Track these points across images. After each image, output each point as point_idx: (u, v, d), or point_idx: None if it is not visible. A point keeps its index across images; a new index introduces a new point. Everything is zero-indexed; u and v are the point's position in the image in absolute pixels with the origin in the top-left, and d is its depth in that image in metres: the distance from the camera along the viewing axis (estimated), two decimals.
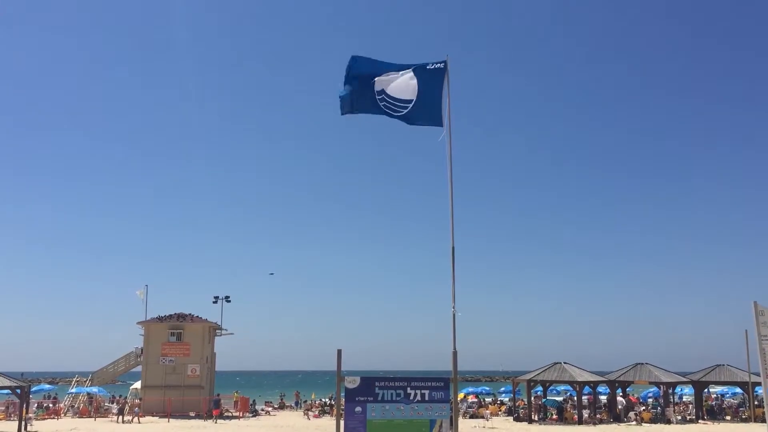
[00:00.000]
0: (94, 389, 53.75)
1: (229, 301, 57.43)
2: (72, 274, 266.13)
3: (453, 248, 15.19)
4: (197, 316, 52.20)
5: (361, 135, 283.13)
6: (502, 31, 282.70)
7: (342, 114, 15.33)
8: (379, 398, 14.31)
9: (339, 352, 14.59)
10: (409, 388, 14.42)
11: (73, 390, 54.68)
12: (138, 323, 52.00)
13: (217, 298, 57.08)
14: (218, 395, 54.58)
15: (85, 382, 56.59)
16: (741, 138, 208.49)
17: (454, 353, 14.77)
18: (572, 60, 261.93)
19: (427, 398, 14.39)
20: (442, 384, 14.57)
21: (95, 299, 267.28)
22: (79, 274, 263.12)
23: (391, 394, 14.36)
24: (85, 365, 68.12)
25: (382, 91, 15.18)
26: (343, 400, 14.38)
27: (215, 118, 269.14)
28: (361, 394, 14.31)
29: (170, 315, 51.86)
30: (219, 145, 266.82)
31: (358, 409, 14.27)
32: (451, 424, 14.55)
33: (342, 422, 14.14)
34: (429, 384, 14.51)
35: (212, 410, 47.59)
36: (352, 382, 14.35)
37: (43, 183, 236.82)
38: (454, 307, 14.87)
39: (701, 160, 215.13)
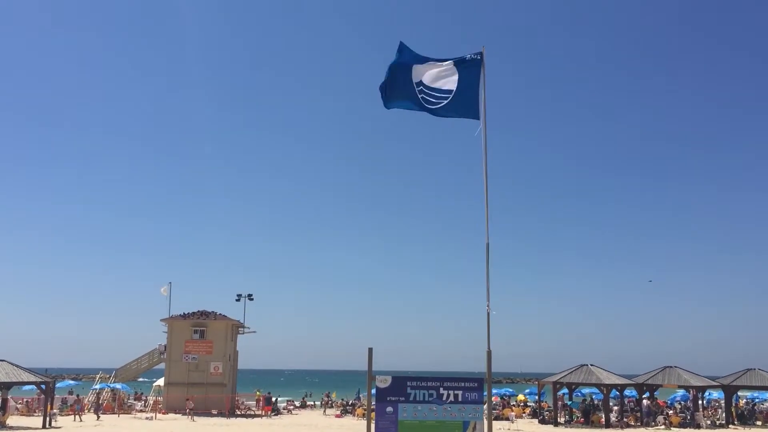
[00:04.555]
0: (118, 385, 53.88)
1: (252, 299, 57.33)
2: (97, 272, 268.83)
3: (488, 245, 14.79)
4: (220, 314, 52.14)
5: (390, 135, 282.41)
6: (517, 31, 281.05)
7: (385, 106, 15.02)
8: (411, 398, 13.94)
9: (370, 350, 14.24)
10: (441, 389, 14.04)
11: (97, 386, 54.86)
12: (161, 320, 52.10)
13: (240, 296, 57.02)
14: (269, 393, 56.49)
15: (109, 378, 56.78)
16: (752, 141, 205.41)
17: (489, 353, 14.36)
18: (590, 63, 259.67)
19: (460, 399, 13.99)
20: (476, 385, 14.16)
21: (119, 296, 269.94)
22: (104, 271, 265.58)
23: (424, 394, 13.99)
24: (108, 362, 68.62)
25: (420, 83, 14.82)
26: (373, 400, 14.07)
27: (243, 118, 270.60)
28: (393, 393, 13.95)
29: (193, 312, 51.85)
30: (243, 145, 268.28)
31: (390, 409, 13.90)
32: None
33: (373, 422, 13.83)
34: (462, 384, 14.11)
35: (264, 407, 50.16)
36: (383, 382, 13.99)
37: (67, 180, 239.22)
38: (488, 306, 14.46)
39: (732, 165, 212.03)
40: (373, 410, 13.96)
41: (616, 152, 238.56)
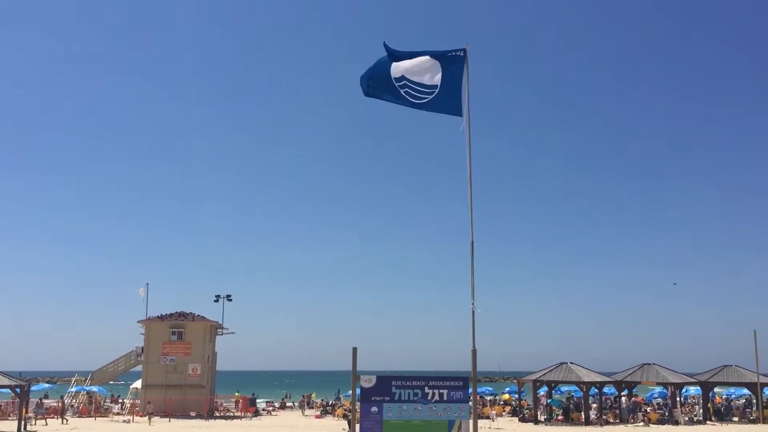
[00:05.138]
0: (94, 388, 53.16)
1: (231, 300, 56.91)
2: (72, 273, 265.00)
3: (472, 243, 14.69)
4: (198, 315, 51.61)
5: (372, 134, 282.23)
6: (504, 30, 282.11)
7: (365, 95, 14.90)
8: (396, 398, 13.84)
9: (354, 350, 14.10)
10: (426, 388, 13.95)
11: (73, 389, 54.10)
12: (139, 322, 51.43)
13: (218, 296, 56.57)
14: (253, 394, 56.74)
15: (85, 381, 56.01)
16: (746, 141, 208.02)
17: (474, 351, 14.27)
18: (575, 64, 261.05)
19: (445, 398, 13.92)
20: (461, 383, 14.09)
21: (96, 298, 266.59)
22: (80, 272, 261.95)
23: (409, 393, 13.89)
24: (84, 364, 67.64)
25: (403, 77, 14.68)
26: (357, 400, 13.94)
27: (220, 118, 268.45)
28: (378, 393, 13.85)
29: (171, 313, 51.25)
30: (222, 145, 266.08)
31: (374, 409, 13.79)
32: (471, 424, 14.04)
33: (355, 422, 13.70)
34: (447, 383, 14.04)
35: (246, 408, 49.96)
36: (368, 381, 13.87)
37: (43, 182, 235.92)
38: (473, 304, 14.37)
39: (709, 162, 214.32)
40: (358, 411, 13.84)
41: (609, 151, 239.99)
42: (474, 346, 14.27)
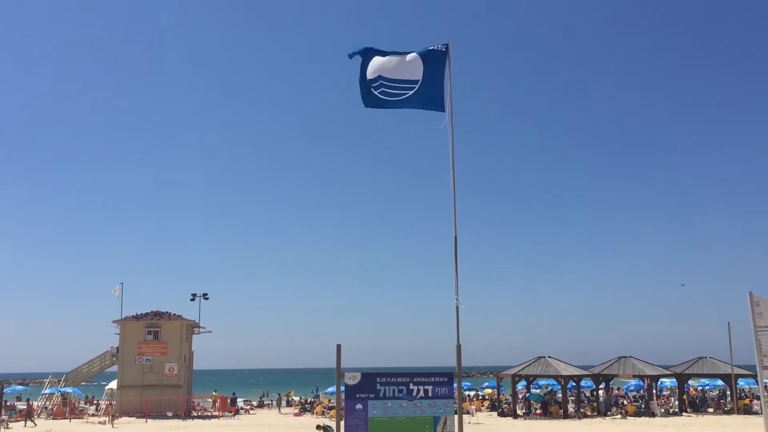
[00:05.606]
0: (69, 390, 52.39)
1: (207, 299, 56.46)
2: (46, 273, 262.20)
3: (455, 238, 14.62)
4: (174, 314, 51.12)
5: (355, 134, 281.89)
6: (495, 27, 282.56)
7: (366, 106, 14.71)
8: (381, 395, 13.69)
9: (338, 347, 13.95)
10: (411, 384, 13.82)
11: (47, 391, 53.27)
12: (114, 322, 50.82)
13: (194, 295, 56.05)
14: (234, 393, 57.15)
15: (59, 382, 55.16)
16: (710, 133, 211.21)
17: (458, 347, 14.21)
18: (568, 59, 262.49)
19: (430, 394, 13.81)
20: (446, 379, 14.01)
21: (70, 298, 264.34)
22: (53, 272, 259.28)
23: (393, 390, 13.75)
24: (58, 366, 66.60)
25: (379, 77, 14.46)
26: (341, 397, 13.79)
27: (205, 117, 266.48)
28: (362, 390, 13.69)
29: (147, 313, 50.68)
30: (200, 142, 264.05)
31: (359, 406, 13.64)
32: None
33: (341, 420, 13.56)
34: (432, 379, 13.93)
35: (225, 407, 50.20)
36: (352, 378, 13.72)
37: (17, 184, 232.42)
38: (457, 299, 14.31)
39: (681, 155, 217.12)
40: (342, 408, 13.71)
41: (590, 144, 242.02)
42: (458, 342, 14.23)
